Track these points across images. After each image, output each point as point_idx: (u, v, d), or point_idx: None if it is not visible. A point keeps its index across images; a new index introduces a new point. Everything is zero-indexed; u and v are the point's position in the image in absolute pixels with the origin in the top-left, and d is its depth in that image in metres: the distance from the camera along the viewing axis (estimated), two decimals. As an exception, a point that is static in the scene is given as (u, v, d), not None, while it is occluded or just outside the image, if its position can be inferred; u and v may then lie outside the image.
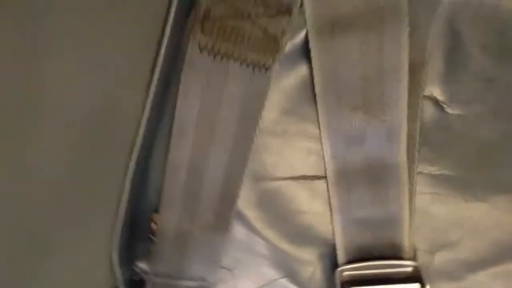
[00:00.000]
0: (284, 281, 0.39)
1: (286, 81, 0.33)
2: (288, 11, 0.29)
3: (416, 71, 0.31)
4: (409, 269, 0.37)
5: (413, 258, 0.37)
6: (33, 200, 0.23)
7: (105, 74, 0.24)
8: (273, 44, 0.29)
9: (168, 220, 0.36)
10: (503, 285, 0.37)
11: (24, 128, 0.21)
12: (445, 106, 0.33)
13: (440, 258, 0.37)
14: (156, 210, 0.37)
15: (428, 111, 0.33)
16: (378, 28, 0.28)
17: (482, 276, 0.37)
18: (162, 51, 0.27)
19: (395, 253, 0.37)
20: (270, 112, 0.34)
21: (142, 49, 0.27)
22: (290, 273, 0.39)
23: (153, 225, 0.37)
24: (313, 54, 0.30)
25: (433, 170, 0.35)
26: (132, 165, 0.30)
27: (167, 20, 0.27)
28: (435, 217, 0.36)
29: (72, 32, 0.22)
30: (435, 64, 0.32)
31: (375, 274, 0.37)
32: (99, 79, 0.23)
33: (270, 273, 0.39)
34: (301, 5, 0.29)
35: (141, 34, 0.26)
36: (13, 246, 0.21)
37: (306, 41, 0.30)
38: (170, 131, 0.33)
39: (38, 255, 0.24)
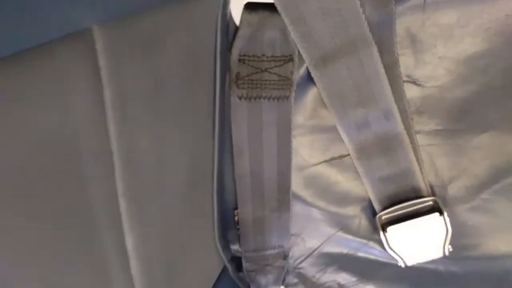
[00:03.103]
0: (339, 234, 0.51)
1: (304, 98, 0.45)
2: (291, 59, 0.41)
3: (392, 68, 0.42)
4: (430, 203, 0.47)
5: (431, 194, 0.47)
6: (176, 210, 0.37)
7: (189, 141, 0.37)
8: (286, 81, 0.42)
9: (245, 212, 0.49)
10: (505, 197, 0.46)
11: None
12: (422, 83, 0.44)
13: (452, 189, 0.47)
14: (235, 207, 0.49)
15: (411, 90, 0.44)
16: (355, 53, 0.40)
17: (486, 194, 0.47)
18: (217, 107, 0.40)
19: (416, 194, 0.47)
20: (298, 121, 0.46)
21: (206, 114, 0.40)
22: (342, 227, 0.51)
23: (236, 218, 0.50)
24: (315, 80, 0.42)
25: (427, 128, 0.46)
26: (215, 185, 0.44)
27: (215, 89, 0.40)
28: (438, 161, 0.47)
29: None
30: (407, 58, 0.43)
31: (405, 213, 0.48)
32: (188, 143, 0.36)
33: (327, 230, 0.51)
34: (299, 52, 0.41)
35: (206, 103, 0.39)
36: (168, 242, 0.35)
37: (308, 71, 0.42)
38: (232, 155, 0.46)
39: (181, 250, 0.38)
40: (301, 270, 0.54)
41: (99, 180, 0.27)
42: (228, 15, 0.39)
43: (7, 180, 0.21)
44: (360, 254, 0.52)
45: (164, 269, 0.35)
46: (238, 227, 0.50)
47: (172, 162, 0.35)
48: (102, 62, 0.23)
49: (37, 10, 0.20)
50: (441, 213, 0.47)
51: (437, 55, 0.42)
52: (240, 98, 0.42)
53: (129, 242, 0.30)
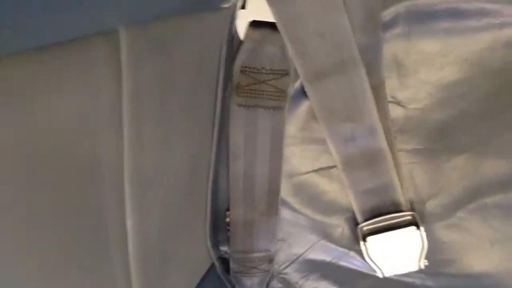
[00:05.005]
0: (323, 242, 0.54)
1: (297, 111, 0.49)
2: (287, 73, 0.46)
3: (379, 88, 0.46)
4: (408, 217, 0.50)
5: (411, 210, 0.50)
6: (175, 201, 0.40)
7: (191, 139, 0.41)
8: (282, 93, 0.46)
9: (236, 214, 0.52)
10: (479, 216, 0.49)
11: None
12: (405, 104, 0.48)
13: (430, 205, 0.50)
14: (227, 209, 0.52)
15: (396, 110, 0.48)
16: (345, 73, 0.44)
17: (462, 213, 0.50)
18: (218, 112, 0.44)
19: (396, 208, 0.50)
20: (291, 131, 0.50)
21: (207, 117, 0.44)
22: (326, 235, 0.54)
23: (227, 219, 0.53)
24: (309, 94, 0.46)
25: (409, 147, 0.49)
26: (210, 185, 0.48)
27: (217, 94, 0.44)
28: (418, 178, 0.50)
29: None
30: (392, 81, 0.47)
31: (385, 225, 0.51)
32: (190, 142, 0.40)
33: (312, 238, 0.54)
34: (295, 67, 0.45)
35: (208, 107, 0.43)
36: (164, 235, 0.39)
37: (302, 86, 0.47)
38: (227, 157, 0.50)
39: (175, 240, 0.42)
40: (285, 276, 0.57)
41: (109, 164, 0.31)
42: (234, 30, 0.44)
43: (29, 160, 0.25)
44: (342, 263, 0.55)
45: (158, 254, 0.39)
46: (228, 228, 0.53)
47: (174, 157, 0.38)
48: (124, 58, 0.27)
49: (72, 9, 0.25)
50: (418, 228, 0.50)
51: (419, 80, 0.46)
52: (239, 106, 0.47)
53: (129, 224, 0.34)
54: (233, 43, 0.45)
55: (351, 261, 0.55)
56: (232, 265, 0.55)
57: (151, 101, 0.32)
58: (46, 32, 0.24)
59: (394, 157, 0.49)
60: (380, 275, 0.53)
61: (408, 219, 0.50)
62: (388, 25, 0.45)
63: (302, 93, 0.48)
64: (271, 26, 0.44)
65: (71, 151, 0.28)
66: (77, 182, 0.29)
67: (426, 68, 0.46)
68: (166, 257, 0.41)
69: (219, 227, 0.54)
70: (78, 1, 0.24)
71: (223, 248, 0.55)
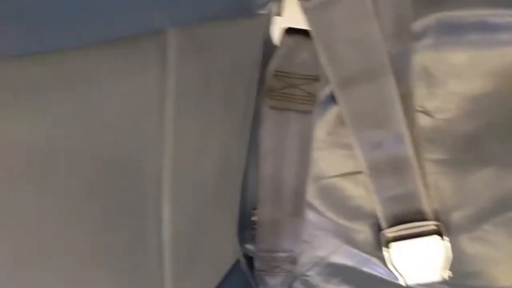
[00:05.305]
0: (346, 246, 0.55)
1: (326, 116, 0.51)
2: (318, 78, 0.48)
3: (407, 97, 0.47)
4: (432, 227, 0.50)
5: (435, 219, 0.51)
6: (208, 195, 0.43)
7: (225, 137, 0.44)
8: (312, 98, 0.48)
9: (263, 213, 0.54)
10: (505, 230, 0.49)
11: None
12: (433, 114, 0.49)
13: (455, 216, 0.51)
14: (254, 208, 0.54)
15: (423, 119, 0.49)
16: (374, 80, 0.46)
17: (487, 226, 0.50)
18: (251, 113, 0.47)
19: (421, 217, 0.51)
20: (319, 135, 0.52)
21: (241, 117, 0.46)
22: (349, 240, 0.54)
23: (253, 218, 0.55)
24: (338, 99, 0.48)
25: (435, 157, 0.50)
26: (239, 184, 0.50)
27: (250, 96, 0.46)
28: (444, 188, 0.50)
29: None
30: (421, 90, 0.48)
31: (409, 233, 0.51)
32: (224, 141, 0.43)
33: (335, 242, 0.55)
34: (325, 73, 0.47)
35: (242, 108, 0.46)
36: (195, 227, 0.41)
37: (332, 92, 0.49)
38: (257, 158, 0.52)
39: (205, 234, 0.44)
40: (307, 278, 0.58)
41: (150, 156, 0.33)
42: (269, 35, 0.47)
43: (78, 150, 0.27)
44: (365, 269, 0.56)
45: (190, 244, 0.41)
46: (254, 226, 0.55)
47: (209, 154, 0.41)
48: (171, 57, 0.30)
49: (127, 11, 0.27)
50: (442, 237, 0.50)
51: (448, 90, 0.47)
52: (270, 108, 0.49)
53: (165, 213, 0.36)
54: (268, 48, 0.47)
55: (373, 267, 0.55)
56: (256, 263, 0.56)
57: (191, 99, 0.35)
58: (101, 30, 0.27)
59: (420, 166, 0.50)
60: (403, 283, 0.53)
61: (432, 229, 0.51)
62: (418, 36, 0.46)
63: (332, 99, 0.49)
64: (304, 33, 0.47)
65: (116, 142, 0.30)
66: (120, 171, 0.31)
67: (455, 80, 0.47)
68: (196, 248, 0.43)
69: (246, 225, 0.55)
70: (132, 4, 0.27)
71: (249, 246, 0.57)
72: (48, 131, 0.25)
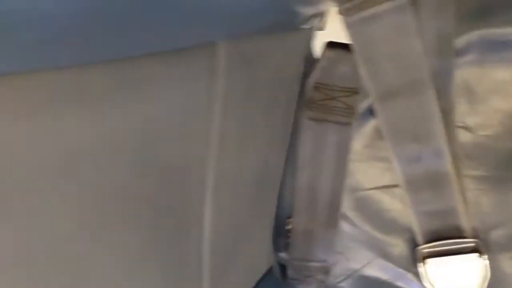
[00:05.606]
0: (380, 260, 0.55)
1: (364, 128, 0.51)
2: (357, 91, 0.49)
3: (448, 112, 0.47)
4: (471, 244, 0.50)
5: (474, 236, 0.50)
6: (247, 201, 0.44)
7: (265, 145, 0.45)
8: (351, 110, 0.49)
9: (297, 222, 0.54)
10: None
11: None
12: (475, 130, 0.48)
13: (495, 235, 0.50)
14: (289, 217, 0.55)
15: (464, 135, 0.49)
16: (414, 95, 0.46)
17: None
18: (290, 125, 0.48)
19: (459, 234, 0.50)
20: (357, 147, 0.53)
21: (281, 126, 0.48)
22: (384, 254, 0.54)
23: (288, 226, 0.55)
24: (377, 113, 0.49)
25: (475, 173, 0.49)
26: (276, 192, 0.51)
27: (290, 108, 0.48)
28: (484, 205, 0.50)
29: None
30: (462, 106, 0.48)
31: (446, 250, 0.50)
32: (263, 148, 0.45)
33: (369, 254, 0.55)
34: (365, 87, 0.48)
35: (282, 118, 0.48)
36: (234, 230, 0.43)
37: (371, 105, 0.49)
38: (293, 167, 0.53)
39: (242, 237, 0.46)
40: (340, 290, 0.58)
41: (196, 160, 0.36)
42: (311, 48, 0.48)
43: (131, 151, 0.30)
44: (399, 283, 0.55)
45: (228, 246, 0.43)
46: (288, 235, 0.55)
47: (250, 160, 0.43)
48: (220, 68, 0.32)
49: (180, 24, 0.30)
50: (481, 255, 0.49)
51: (490, 107, 0.47)
52: (309, 119, 0.50)
53: (207, 213, 0.38)
54: (309, 61, 0.49)
55: (408, 283, 0.54)
56: (289, 272, 0.57)
57: (236, 107, 0.37)
58: (157, 41, 0.29)
59: (460, 182, 0.49)
60: (437, 301, 0.52)
61: (471, 246, 0.50)
62: (460, 52, 0.46)
63: (370, 112, 0.50)
64: (345, 47, 0.48)
65: (165, 144, 0.33)
66: (169, 172, 0.33)
67: (497, 96, 0.46)
68: (233, 251, 0.45)
69: (280, 233, 0.56)
70: (187, 19, 0.30)
71: (282, 254, 0.57)
72: (105, 133, 0.27)
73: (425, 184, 0.50)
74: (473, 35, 0.46)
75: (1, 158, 0.21)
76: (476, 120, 0.48)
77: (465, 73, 0.47)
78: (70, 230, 0.26)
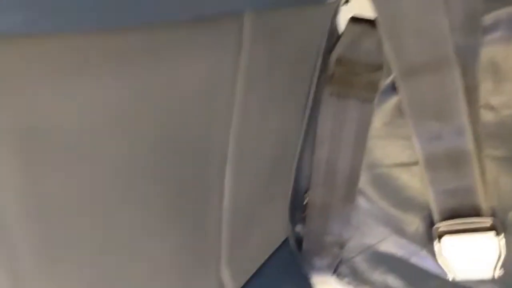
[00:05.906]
0: (396, 236, 0.55)
1: (384, 105, 0.51)
2: (380, 67, 0.48)
3: (472, 91, 0.47)
4: (488, 224, 0.50)
5: (491, 215, 0.50)
6: (265, 172, 0.45)
7: (286, 118, 0.46)
8: (373, 86, 0.49)
9: (315, 195, 0.56)
10: None
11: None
12: (499, 110, 0.48)
13: None
14: (307, 191, 0.56)
15: (487, 114, 0.48)
16: (438, 71, 0.46)
17: None
18: (311, 97, 0.49)
19: (476, 213, 0.50)
20: (376, 124, 0.53)
21: (302, 100, 0.49)
22: (399, 230, 0.55)
23: (305, 200, 0.57)
24: (400, 89, 0.48)
25: (497, 153, 0.49)
26: (294, 166, 0.52)
27: (312, 81, 0.48)
28: (504, 185, 0.49)
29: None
30: (487, 85, 0.47)
31: (462, 228, 0.50)
32: (283, 121, 0.46)
33: (385, 230, 0.55)
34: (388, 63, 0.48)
35: (303, 92, 0.48)
36: (252, 200, 0.45)
37: (393, 82, 0.49)
38: (313, 142, 0.54)
39: (260, 208, 0.47)
40: (353, 263, 0.59)
41: (218, 128, 0.36)
42: (335, 23, 0.48)
43: (154, 121, 0.30)
44: (413, 260, 0.56)
45: (246, 215, 0.44)
46: (305, 208, 0.56)
47: (270, 131, 0.44)
48: (245, 38, 0.32)
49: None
50: (498, 234, 0.49)
51: None
52: (331, 95, 0.50)
53: (227, 182, 0.39)
54: (333, 36, 0.49)
55: (422, 260, 0.55)
56: (304, 244, 0.58)
57: (259, 78, 0.37)
58: (185, 9, 0.30)
59: (480, 161, 0.49)
60: (450, 278, 0.53)
61: (487, 225, 0.50)
62: (488, 30, 0.45)
63: (392, 89, 0.50)
64: (370, 22, 0.48)
65: (189, 113, 0.33)
66: (191, 141, 0.34)
67: None
68: (251, 221, 0.46)
69: (297, 207, 0.57)
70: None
71: (298, 227, 0.59)
72: (131, 99, 0.28)
73: (444, 162, 0.50)
74: (502, 13, 0.45)
75: (43, 117, 0.23)
76: (501, 99, 0.47)
77: (491, 51, 0.46)
78: (103, 188, 0.27)
